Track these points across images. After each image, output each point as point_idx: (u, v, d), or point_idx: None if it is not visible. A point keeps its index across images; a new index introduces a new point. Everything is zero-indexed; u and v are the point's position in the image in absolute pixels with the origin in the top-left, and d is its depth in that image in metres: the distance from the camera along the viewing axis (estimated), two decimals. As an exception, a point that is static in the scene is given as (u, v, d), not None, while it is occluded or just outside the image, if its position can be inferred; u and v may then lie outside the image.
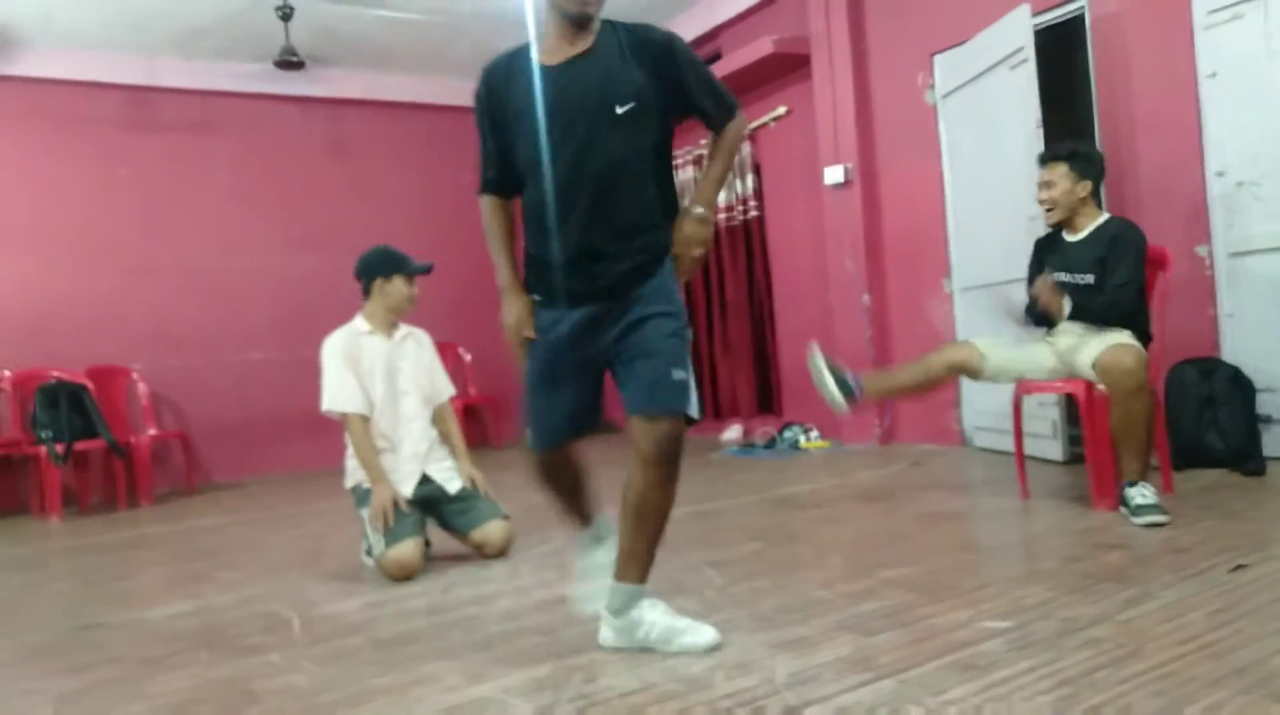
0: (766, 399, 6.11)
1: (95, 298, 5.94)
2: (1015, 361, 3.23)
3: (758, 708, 1.62)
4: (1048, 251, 3.30)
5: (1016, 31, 3.98)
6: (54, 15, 5.39)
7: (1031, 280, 3.34)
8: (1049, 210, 3.22)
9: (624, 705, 1.68)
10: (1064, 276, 3.20)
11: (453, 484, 3.08)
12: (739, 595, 2.36)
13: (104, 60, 5.92)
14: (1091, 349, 2.98)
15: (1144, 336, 3.06)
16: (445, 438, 3.21)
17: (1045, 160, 3.24)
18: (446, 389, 3.26)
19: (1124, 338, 2.97)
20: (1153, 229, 3.84)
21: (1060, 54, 4.77)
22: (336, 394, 2.98)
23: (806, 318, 5.77)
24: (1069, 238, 3.24)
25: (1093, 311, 3.04)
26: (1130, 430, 2.86)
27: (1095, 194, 3.22)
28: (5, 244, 5.73)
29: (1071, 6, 4.17)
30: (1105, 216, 3.21)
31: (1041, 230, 3.45)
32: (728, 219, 6.23)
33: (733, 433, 6.21)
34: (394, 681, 1.92)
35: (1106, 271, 3.08)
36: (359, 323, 3.10)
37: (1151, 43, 3.87)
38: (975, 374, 3.25)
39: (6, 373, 5.54)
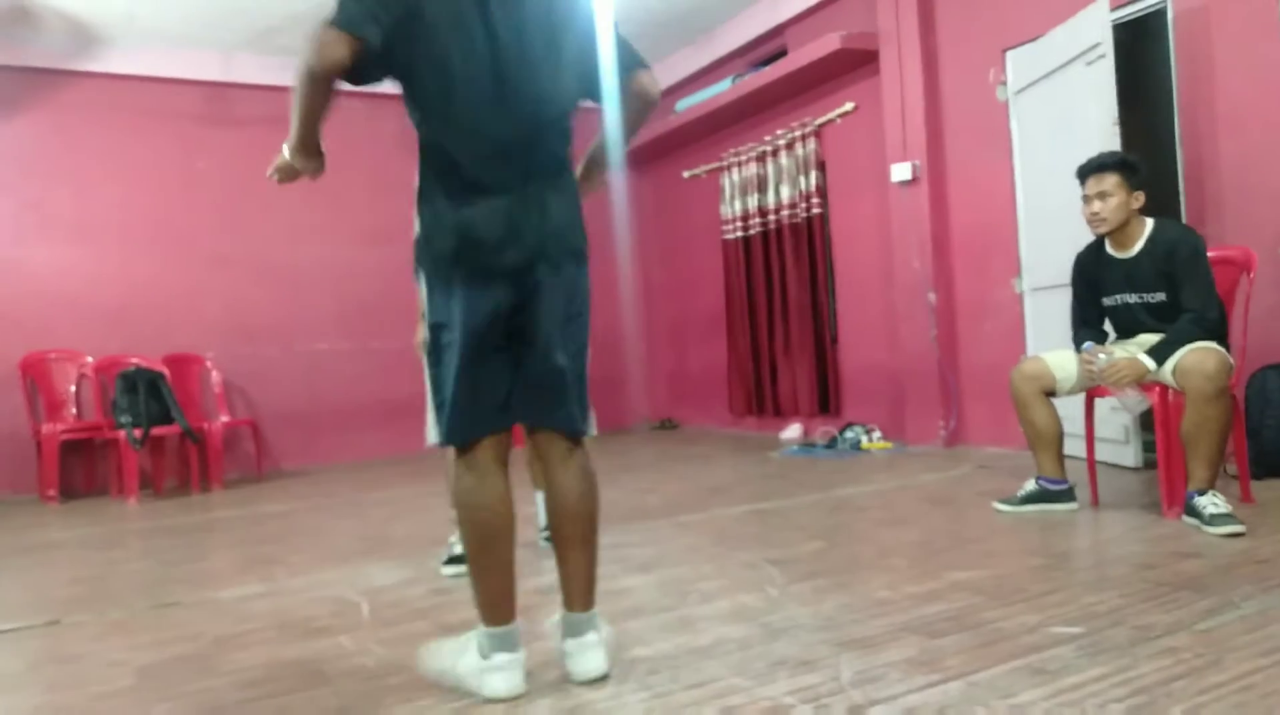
0: (827, 398, 6.05)
1: (173, 287, 6.15)
2: (1081, 376, 3.17)
3: (822, 705, 1.61)
4: (1100, 270, 3.19)
5: (1094, 26, 3.87)
6: (137, 14, 5.59)
7: (1080, 299, 3.26)
8: (1099, 223, 3.09)
9: (687, 698, 1.69)
10: (1131, 297, 3.11)
11: None
12: (801, 594, 2.35)
13: (183, 57, 6.12)
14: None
15: (1224, 343, 2.96)
16: None
17: (1092, 170, 3.10)
18: None
19: (1208, 342, 2.88)
20: (1235, 229, 3.73)
21: (1136, 49, 4.65)
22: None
23: (870, 316, 5.71)
24: (1119, 253, 3.13)
25: (1175, 331, 2.94)
26: (1203, 436, 2.78)
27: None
28: (90, 235, 5.96)
29: (1151, 1, 4.04)
30: (1152, 224, 3.10)
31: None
32: (790, 216, 6.19)
33: (792, 432, 6.17)
34: (460, 666, 1.95)
35: (1176, 286, 2.98)
36: None
37: (1237, 36, 3.74)
38: (1054, 392, 3.21)
39: (89, 359, 5.77)
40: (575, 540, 1.87)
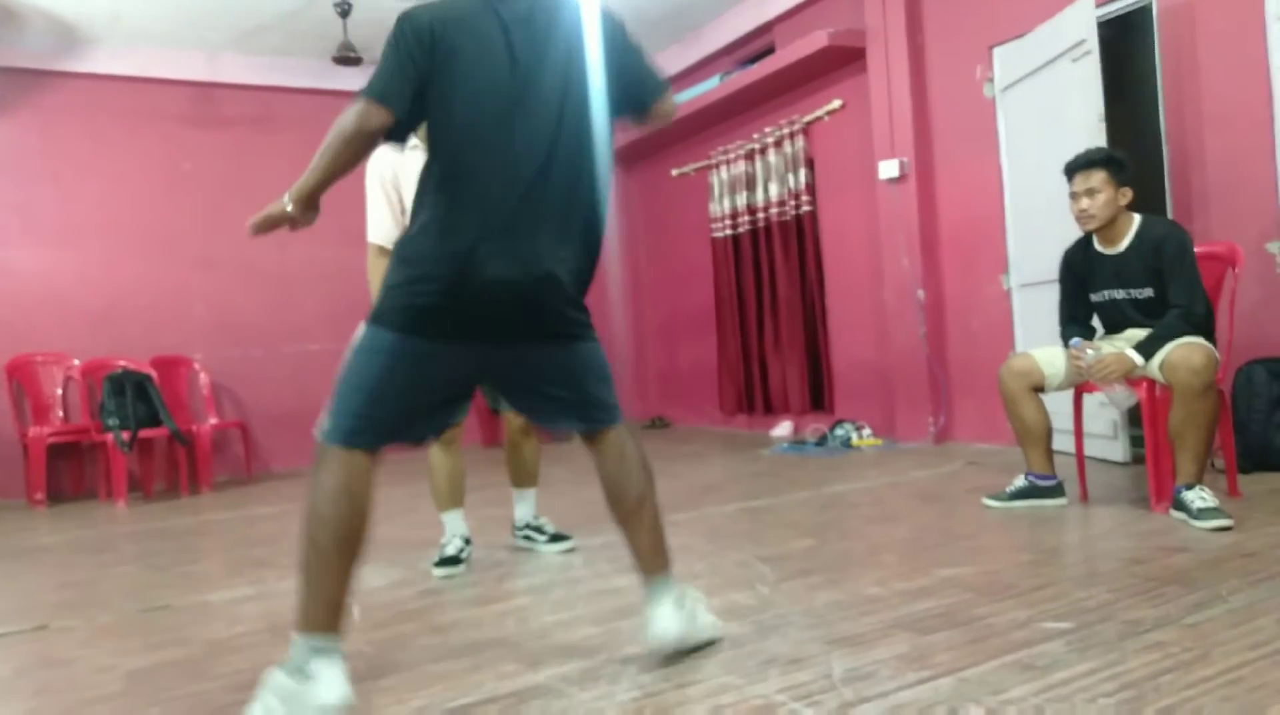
0: (817, 396, 6.06)
1: (159, 289, 6.12)
2: (1069, 371, 3.19)
3: (814, 702, 1.61)
4: (1088, 266, 3.20)
5: (1079, 23, 3.89)
6: (122, 14, 5.56)
7: (1068, 295, 3.28)
8: (1087, 220, 3.11)
9: (678, 696, 1.69)
10: (1119, 293, 3.13)
11: None
12: (792, 591, 2.35)
13: (168, 57, 6.09)
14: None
15: (1210, 338, 2.98)
16: None
17: (1080, 167, 3.11)
18: None
19: (1194, 338, 2.90)
20: (1221, 224, 3.76)
21: (1121, 46, 4.67)
22: None
23: (859, 314, 5.73)
24: (1106, 249, 3.15)
25: (1162, 326, 2.95)
26: (1191, 431, 2.79)
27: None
28: (75, 236, 5.93)
29: (1137, -3, 4.07)
30: (1139, 220, 3.11)
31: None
32: (779, 213, 6.20)
33: (783, 429, 6.18)
34: (451, 668, 1.95)
35: (1163, 281, 3.00)
36: None
37: (1222, 33, 3.76)
38: (1043, 388, 3.23)
39: (76, 362, 5.75)
40: (626, 515, 1.99)
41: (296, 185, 1.78)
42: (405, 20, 1.73)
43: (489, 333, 1.78)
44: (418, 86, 1.71)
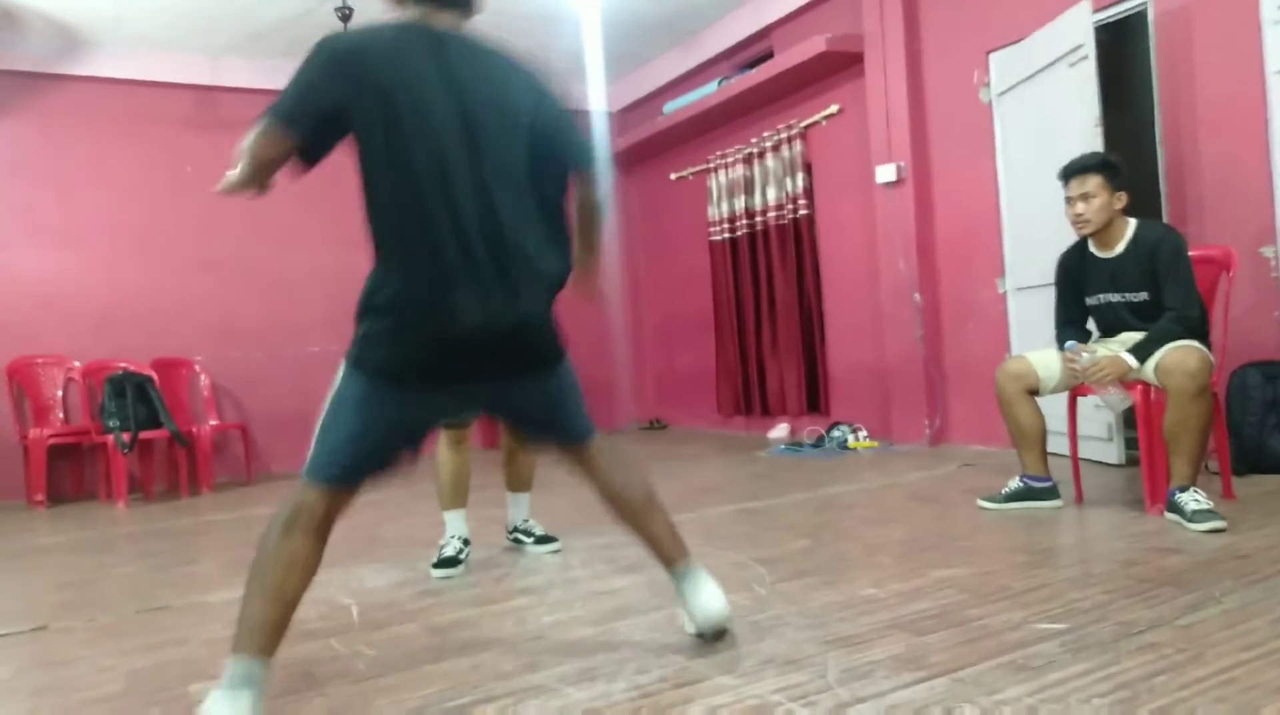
0: (814, 398, 6.08)
1: (161, 291, 6.13)
2: (1065, 374, 3.21)
3: (810, 702, 1.63)
4: (1083, 269, 3.23)
5: (1076, 28, 3.91)
6: (124, 18, 5.57)
7: (1063, 298, 3.30)
8: (1083, 224, 3.13)
9: (676, 695, 1.70)
10: (1114, 297, 3.15)
11: None
12: (789, 592, 2.37)
13: (171, 61, 6.11)
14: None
15: (1205, 341, 3.00)
16: None
17: (1075, 171, 3.13)
18: None
19: (1189, 341, 2.91)
20: (1216, 228, 3.78)
21: (1117, 51, 4.69)
22: None
23: (856, 317, 5.74)
24: (1102, 253, 3.17)
25: (1157, 330, 2.97)
26: (1185, 434, 2.81)
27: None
28: (77, 239, 5.94)
29: (1133, 2, 4.09)
30: (1135, 224, 3.13)
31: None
32: (777, 217, 6.22)
33: (780, 431, 6.20)
34: (450, 668, 1.96)
35: (1158, 285, 3.02)
36: None
37: (1217, 38, 3.78)
38: (1038, 391, 3.24)
39: (76, 363, 5.75)
40: (637, 513, 2.02)
41: (236, 175, 1.74)
42: (324, 43, 1.69)
43: (467, 374, 1.79)
44: (326, 111, 1.67)
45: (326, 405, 1.79)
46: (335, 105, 1.67)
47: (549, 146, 1.84)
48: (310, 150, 1.73)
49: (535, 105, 1.83)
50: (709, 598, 1.96)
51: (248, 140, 1.69)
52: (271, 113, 1.67)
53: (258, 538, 1.75)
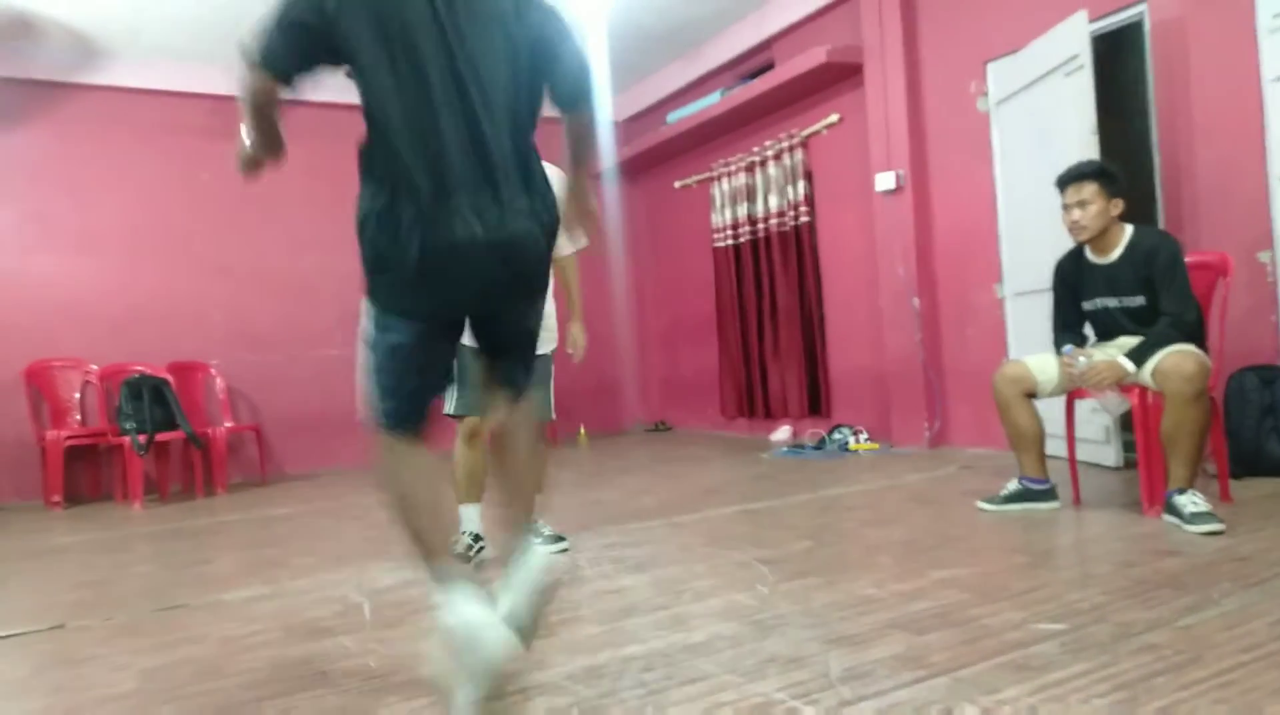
0: (816, 401, 6.12)
1: (178, 296, 6.18)
2: (1062, 378, 3.25)
3: (812, 700, 1.65)
4: (1080, 275, 3.26)
5: (1073, 38, 3.96)
6: (142, 29, 5.62)
7: (1061, 303, 3.34)
8: (1079, 231, 3.16)
9: (680, 695, 1.73)
10: (1111, 302, 3.18)
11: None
12: (791, 592, 2.40)
13: (188, 71, 6.15)
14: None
15: (1201, 346, 3.04)
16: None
17: (1072, 179, 3.16)
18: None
19: (1186, 345, 2.95)
20: (1212, 234, 3.82)
21: (1114, 60, 4.73)
22: None
23: (856, 321, 5.79)
24: (1099, 259, 3.20)
25: (1154, 334, 3.01)
26: (1182, 437, 2.84)
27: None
28: (96, 245, 6.00)
29: (1129, 12, 4.13)
30: (1131, 230, 3.17)
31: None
32: (779, 224, 6.27)
33: (782, 433, 6.23)
34: (461, 665, 2.00)
35: (1155, 290, 3.06)
36: None
37: (1213, 47, 3.83)
38: (1036, 394, 3.28)
39: (94, 367, 5.81)
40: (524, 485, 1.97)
41: (246, 134, 1.80)
42: None
43: (464, 292, 1.75)
44: (306, 44, 1.67)
45: (361, 351, 1.85)
46: (319, 38, 1.66)
47: (545, 74, 1.82)
48: (299, 77, 1.73)
49: (537, 30, 1.79)
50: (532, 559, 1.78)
51: (243, 92, 1.70)
52: (259, 56, 1.66)
53: (374, 475, 1.82)
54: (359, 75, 1.70)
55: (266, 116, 1.76)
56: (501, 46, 1.73)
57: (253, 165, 1.89)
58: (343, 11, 1.63)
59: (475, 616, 1.62)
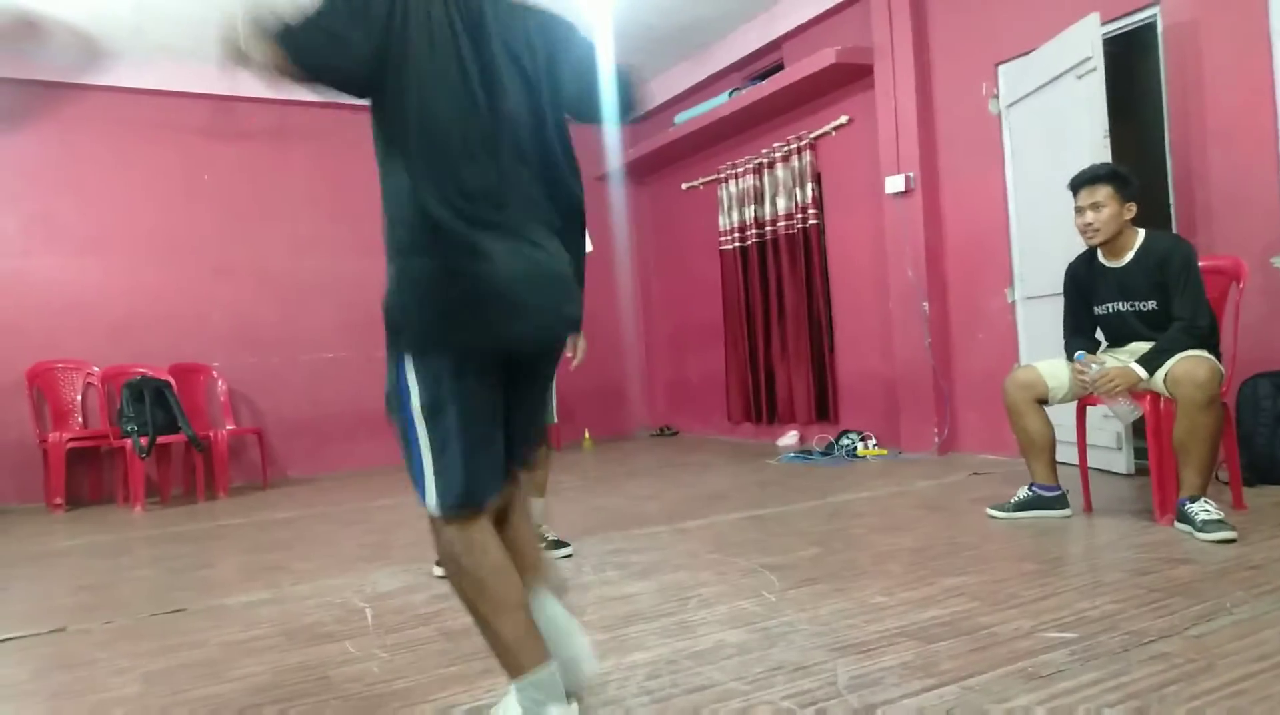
0: (824, 406, 6.10)
1: (179, 298, 6.19)
2: (1073, 384, 3.22)
3: (820, 709, 1.64)
4: (1092, 279, 3.24)
5: (1085, 40, 3.93)
6: (144, 28, 5.64)
7: (1072, 308, 3.31)
8: (1092, 234, 3.14)
9: (686, 702, 1.72)
10: (1123, 306, 3.16)
11: None
12: (798, 599, 2.38)
13: (189, 71, 6.17)
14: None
15: (1214, 352, 3.01)
16: None
17: (1085, 182, 3.15)
18: None
19: (1199, 351, 2.92)
20: (1225, 239, 3.78)
21: (1127, 63, 4.70)
22: None
23: (865, 325, 5.76)
24: (1111, 263, 3.18)
25: (1166, 339, 2.98)
26: (1195, 444, 2.81)
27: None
28: (97, 246, 6.01)
29: (1141, 15, 4.10)
30: (1143, 234, 3.15)
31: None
32: (787, 227, 6.24)
33: (789, 438, 6.21)
34: (463, 671, 1.99)
35: (1167, 295, 3.03)
36: None
37: (1227, 50, 3.79)
38: (1047, 400, 3.26)
39: (96, 368, 5.81)
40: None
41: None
42: None
43: (512, 338, 1.55)
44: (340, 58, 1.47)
45: (414, 427, 1.52)
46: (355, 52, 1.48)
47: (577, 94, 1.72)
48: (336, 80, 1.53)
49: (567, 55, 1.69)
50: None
51: (251, 36, 1.38)
52: (282, 38, 1.39)
53: (449, 573, 1.56)
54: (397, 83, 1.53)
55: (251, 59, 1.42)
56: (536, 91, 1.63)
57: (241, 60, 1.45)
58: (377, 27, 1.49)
59: None
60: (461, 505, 1.50)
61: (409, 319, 1.50)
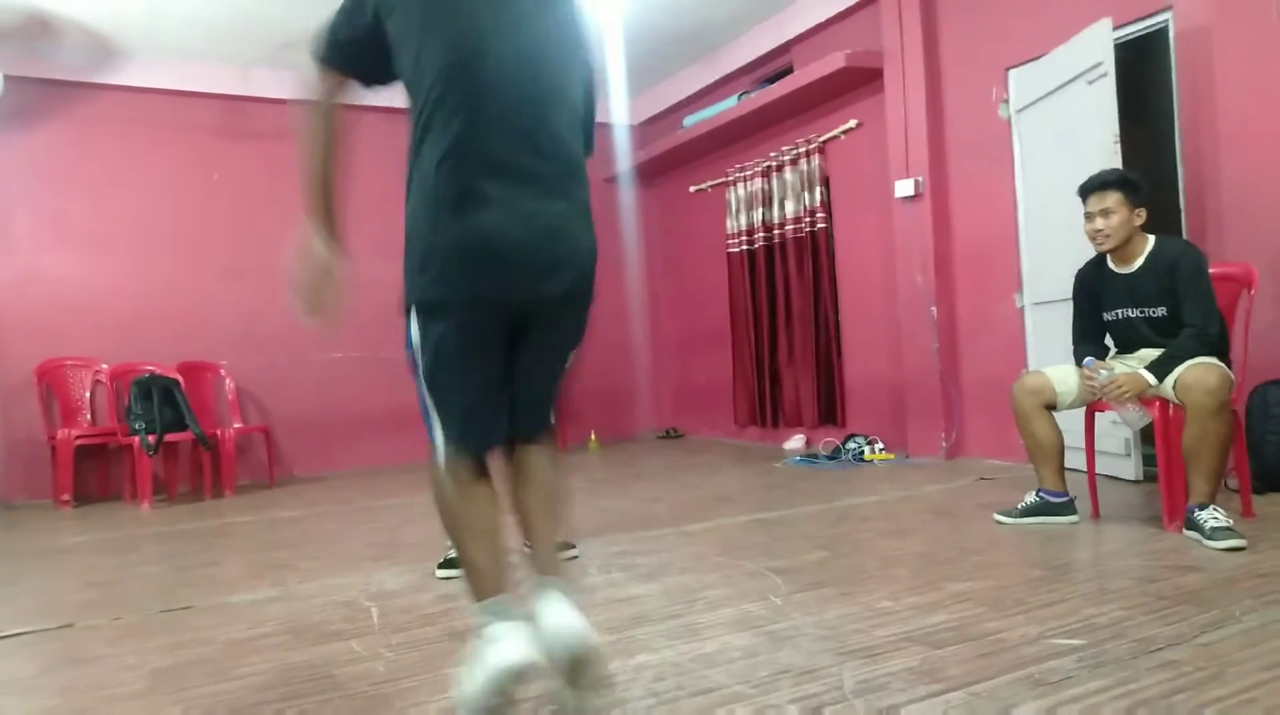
0: (830, 410, 6.09)
1: (188, 296, 6.22)
2: (1082, 390, 3.21)
3: (826, 713, 1.63)
4: (1102, 285, 3.23)
5: (1096, 45, 3.92)
6: (157, 29, 5.66)
7: (1081, 313, 3.30)
8: (1102, 240, 3.14)
9: (691, 705, 1.72)
10: (1133, 312, 3.15)
11: None
12: (804, 603, 2.38)
13: (201, 71, 6.21)
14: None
15: (1225, 358, 3.00)
16: None
17: (1095, 188, 3.14)
18: None
19: (1209, 358, 2.91)
20: (1236, 245, 3.77)
21: (1138, 68, 4.68)
22: None
23: (872, 329, 5.75)
24: (1121, 269, 3.17)
25: (1176, 346, 2.97)
26: (1204, 451, 2.80)
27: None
28: (108, 244, 6.04)
29: (1153, 20, 4.09)
30: (1153, 240, 3.14)
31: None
32: (795, 230, 6.24)
33: (795, 442, 6.20)
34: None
35: (1177, 301, 3.02)
36: None
37: (1239, 55, 3.78)
38: (1055, 406, 3.25)
39: (104, 366, 5.84)
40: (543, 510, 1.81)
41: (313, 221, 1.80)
42: None
43: (513, 287, 1.63)
44: (361, 36, 1.74)
45: (422, 366, 1.66)
46: (371, 34, 1.72)
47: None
48: (365, 74, 1.80)
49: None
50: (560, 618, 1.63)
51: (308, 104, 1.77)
52: (315, 49, 1.80)
53: (433, 497, 1.72)
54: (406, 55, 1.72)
55: (333, 134, 1.89)
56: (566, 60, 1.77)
57: (318, 290, 1.95)
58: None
59: (521, 661, 1.55)
60: (456, 451, 1.67)
61: (409, 271, 1.65)
